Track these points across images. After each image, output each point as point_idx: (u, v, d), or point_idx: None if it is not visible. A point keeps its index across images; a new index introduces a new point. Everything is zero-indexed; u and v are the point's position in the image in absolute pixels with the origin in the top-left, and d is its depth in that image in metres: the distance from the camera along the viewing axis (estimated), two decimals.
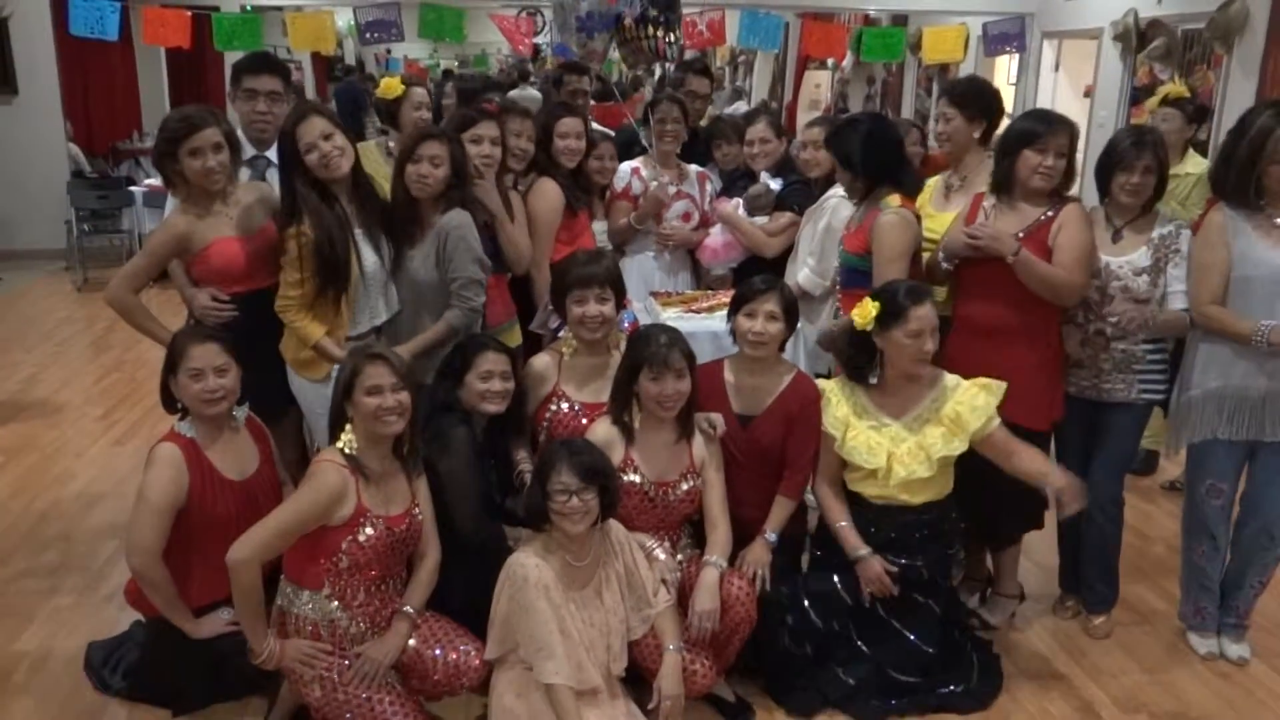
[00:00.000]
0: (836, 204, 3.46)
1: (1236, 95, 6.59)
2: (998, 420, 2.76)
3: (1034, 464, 2.79)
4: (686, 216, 3.94)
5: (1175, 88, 4.03)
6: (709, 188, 4.05)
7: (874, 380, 2.83)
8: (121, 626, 3.05)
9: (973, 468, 2.84)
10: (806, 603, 2.82)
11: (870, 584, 2.80)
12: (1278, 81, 6.43)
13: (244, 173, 3.23)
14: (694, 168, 4.07)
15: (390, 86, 3.48)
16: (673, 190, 3.88)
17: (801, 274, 3.54)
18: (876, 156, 3.11)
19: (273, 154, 3.14)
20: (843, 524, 2.85)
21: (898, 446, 2.76)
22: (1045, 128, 2.92)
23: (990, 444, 2.78)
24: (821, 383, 2.97)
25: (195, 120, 2.86)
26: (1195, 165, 4.21)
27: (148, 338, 3.00)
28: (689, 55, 8.06)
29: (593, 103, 5.04)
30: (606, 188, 3.94)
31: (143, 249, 3.08)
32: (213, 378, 2.57)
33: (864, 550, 2.81)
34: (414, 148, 2.97)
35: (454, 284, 2.99)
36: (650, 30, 4.34)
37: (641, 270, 3.92)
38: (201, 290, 2.96)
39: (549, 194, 3.50)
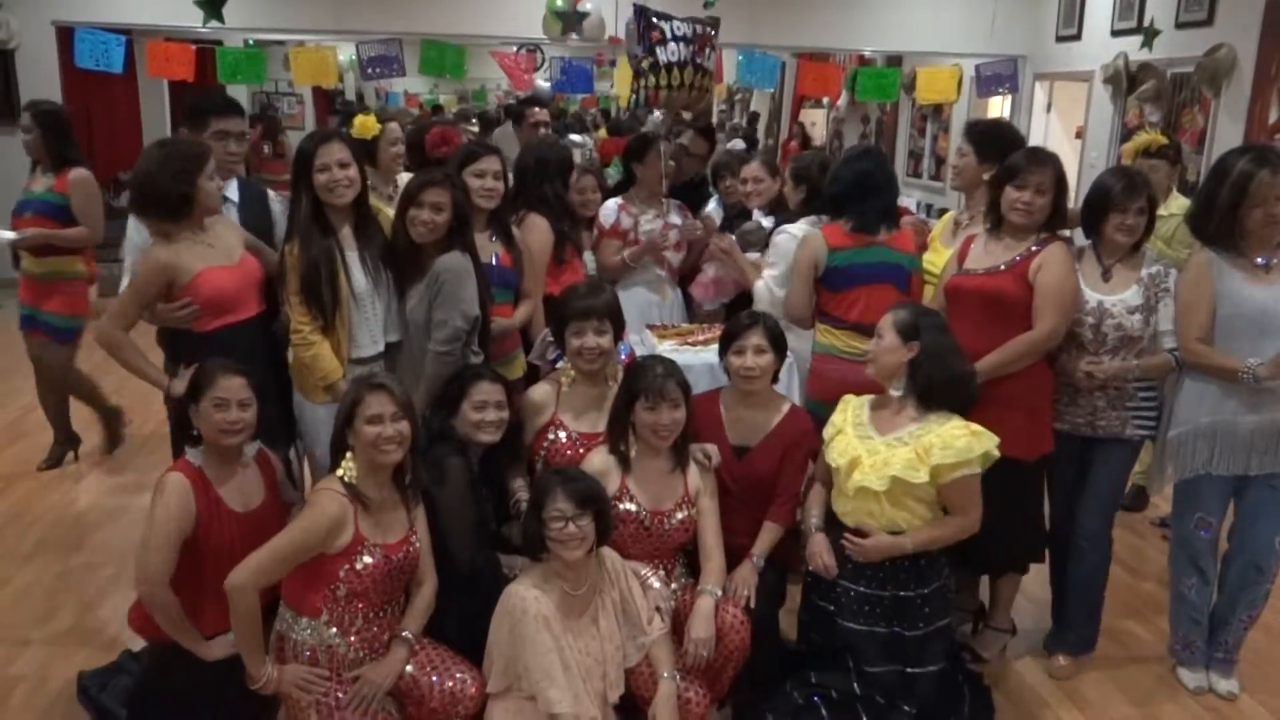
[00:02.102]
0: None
1: (1224, 138, 6.70)
2: (972, 470, 2.69)
3: (932, 531, 2.75)
4: (679, 246, 4.06)
5: (1154, 137, 4.11)
6: (688, 216, 4.18)
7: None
8: (119, 649, 3.06)
9: (990, 495, 2.82)
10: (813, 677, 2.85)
11: (811, 559, 2.83)
12: (1264, 125, 6.55)
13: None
14: (673, 201, 4.19)
15: (366, 125, 3.52)
16: (660, 226, 3.99)
17: (760, 282, 3.67)
18: (842, 194, 3.31)
19: (231, 191, 3.24)
20: (813, 509, 2.92)
21: (867, 458, 2.75)
22: (1025, 164, 3.00)
23: (946, 490, 2.72)
24: (846, 395, 2.98)
25: (204, 145, 2.94)
26: (1180, 206, 4.28)
27: (138, 376, 2.94)
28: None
29: (604, 135, 5.15)
30: (592, 219, 4.03)
31: (128, 285, 2.97)
32: (236, 410, 2.60)
33: (814, 522, 2.89)
34: (417, 193, 3.01)
35: (433, 328, 3.01)
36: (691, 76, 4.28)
37: (636, 303, 3.98)
38: (158, 307, 2.92)
39: (539, 228, 3.55)
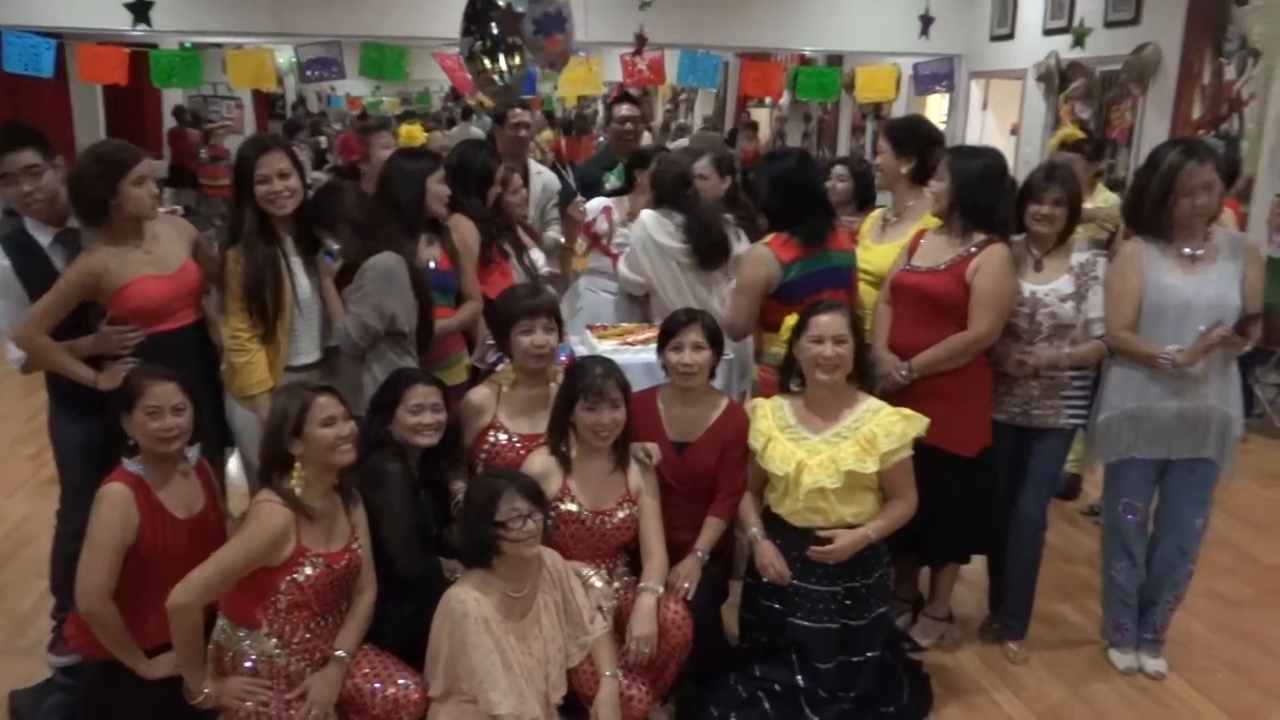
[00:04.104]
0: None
1: (1152, 133, 6.89)
2: (908, 454, 2.82)
3: (888, 518, 2.84)
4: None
5: (1070, 131, 4.22)
6: None
7: (794, 388, 2.93)
8: (49, 671, 3.00)
9: (931, 488, 2.91)
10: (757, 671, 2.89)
11: (765, 569, 2.86)
12: (1188, 119, 6.74)
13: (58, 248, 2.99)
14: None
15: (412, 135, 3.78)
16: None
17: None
18: (780, 201, 3.30)
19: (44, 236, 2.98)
20: (751, 518, 2.96)
21: (811, 458, 2.81)
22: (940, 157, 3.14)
23: (889, 476, 2.82)
24: (754, 400, 3.06)
25: (136, 150, 2.88)
26: (1104, 199, 4.41)
27: (64, 375, 2.87)
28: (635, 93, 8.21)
29: (549, 135, 5.14)
30: (526, 218, 4.04)
31: (53, 288, 2.84)
32: (170, 416, 2.56)
33: (756, 531, 2.91)
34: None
35: (349, 312, 3.00)
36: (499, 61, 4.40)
37: (594, 305, 4.01)
38: (104, 327, 2.86)
39: (465, 226, 3.52)
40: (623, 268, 3.80)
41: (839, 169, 4.36)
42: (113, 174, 2.80)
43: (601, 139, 5.67)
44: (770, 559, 2.86)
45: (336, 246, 3.01)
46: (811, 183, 3.34)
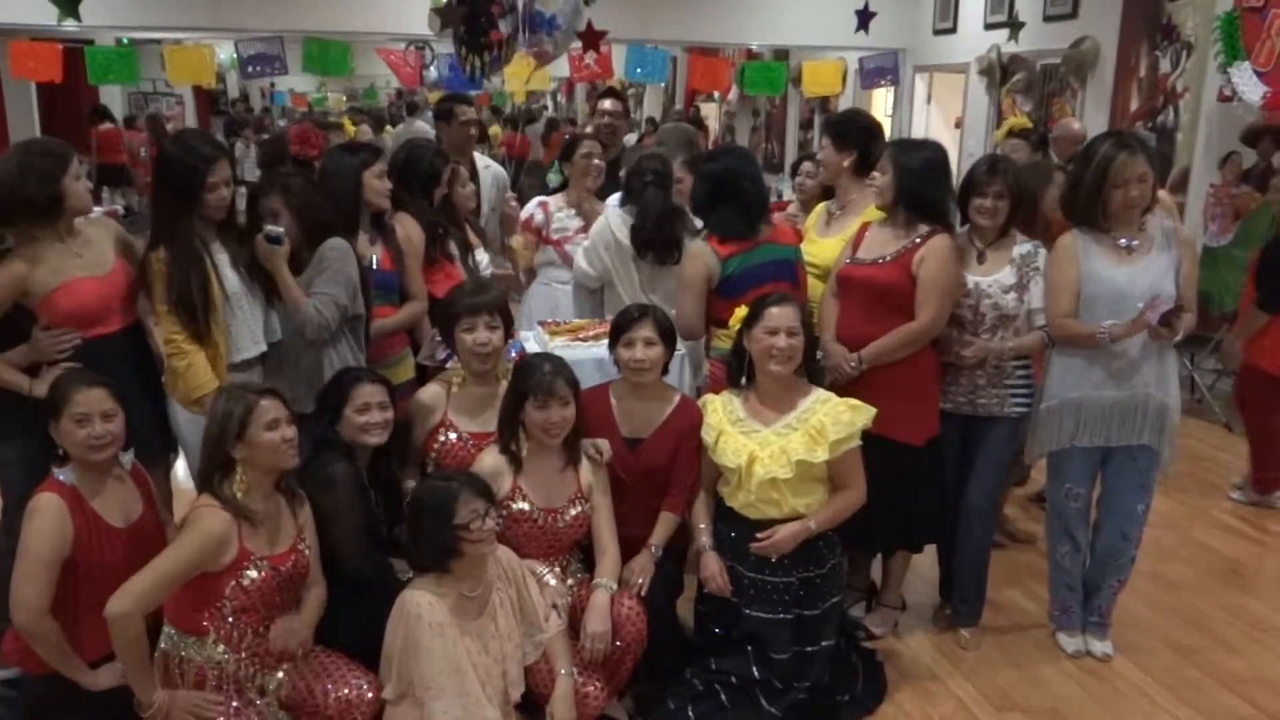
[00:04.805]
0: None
1: (1090, 125, 6.99)
2: (856, 443, 2.84)
3: (833, 509, 2.87)
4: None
5: (1017, 119, 4.31)
6: None
7: (744, 382, 2.95)
8: None
9: (881, 478, 2.94)
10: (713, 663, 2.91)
11: (708, 582, 2.90)
12: (1126, 112, 6.89)
13: None
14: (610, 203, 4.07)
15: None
16: (576, 225, 3.98)
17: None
18: (701, 200, 3.34)
19: None
20: (701, 525, 2.98)
21: (762, 450, 2.83)
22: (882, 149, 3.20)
23: (837, 466, 2.85)
24: (705, 396, 3.07)
25: (69, 149, 2.81)
26: None
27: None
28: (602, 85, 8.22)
29: (504, 132, 5.11)
30: (475, 212, 4.01)
31: None
32: (99, 423, 2.49)
33: (705, 541, 2.95)
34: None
35: (315, 294, 2.94)
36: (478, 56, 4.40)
37: (548, 299, 4.00)
38: (37, 333, 2.78)
39: (410, 225, 3.46)
40: (580, 260, 3.79)
41: (807, 165, 4.40)
42: (57, 170, 2.74)
43: (567, 136, 5.63)
44: (714, 572, 2.90)
45: (281, 229, 2.94)
46: (729, 178, 3.28)
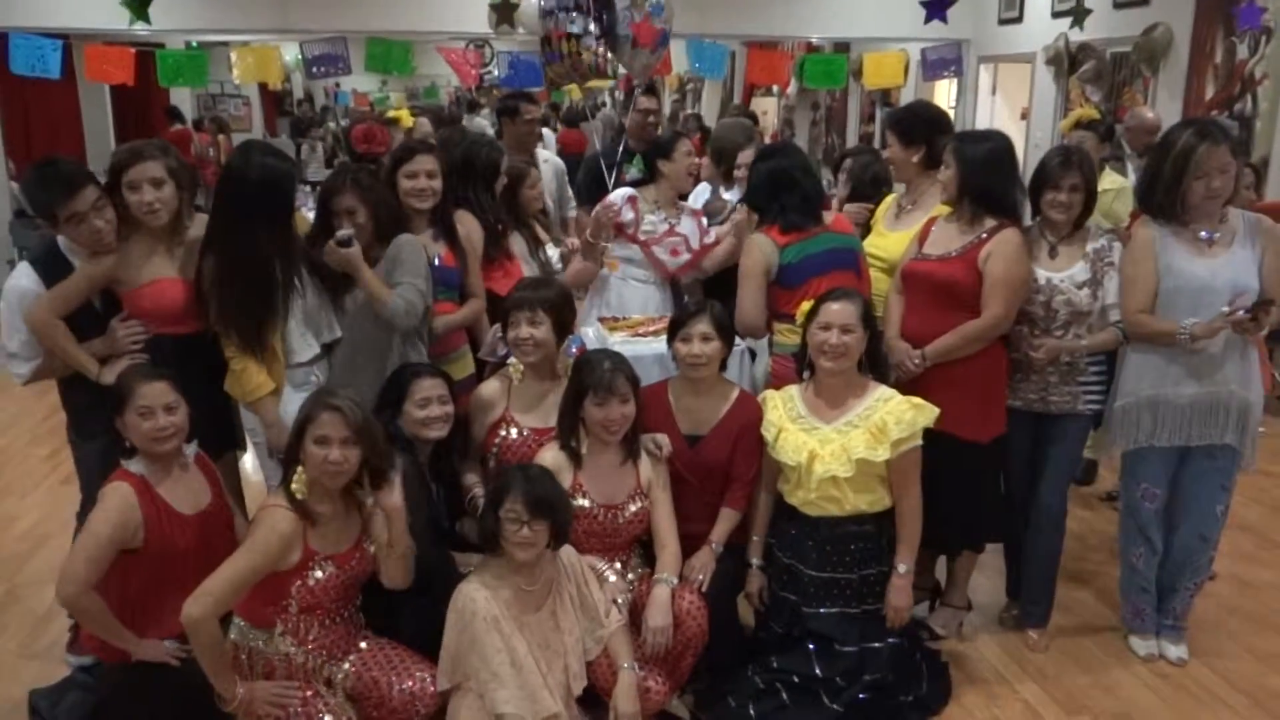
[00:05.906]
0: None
1: (1163, 115, 6.78)
2: (917, 443, 2.80)
3: (908, 543, 2.87)
4: (674, 251, 3.90)
5: (1086, 110, 4.19)
6: (704, 222, 4.02)
7: (806, 376, 2.93)
8: (66, 670, 3.01)
9: (945, 476, 2.90)
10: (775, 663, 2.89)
11: (749, 597, 2.97)
12: (1201, 100, 6.68)
13: None
14: (692, 205, 4.03)
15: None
16: (664, 229, 3.91)
17: None
18: (761, 194, 3.29)
19: None
20: (754, 538, 3.02)
21: (823, 448, 2.80)
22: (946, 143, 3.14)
23: (897, 466, 2.81)
24: (766, 392, 3.04)
25: (139, 151, 2.83)
26: (1112, 181, 4.36)
27: (68, 361, 2.84)
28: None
29: (561, 128, 5.12)
30: (544, 212, 4.02)
31: (73, 275, 2.81)
32: (162, 415, 2.54)
33: (755, 561, 3.00)
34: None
35: (399, 284, 2.97)
36: (594, 48, 4.36)
37: (623, 294, 3.91)
38: (114, 324, 2.84)
39: (469, 223, 3.47)
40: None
41: (848, 162, 4.34)
42: (112, 176, 2.82)
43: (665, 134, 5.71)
44: (752, 592, 3.01)
45: (350, 231, 2.96)
46: (785, 173, 3.24)
